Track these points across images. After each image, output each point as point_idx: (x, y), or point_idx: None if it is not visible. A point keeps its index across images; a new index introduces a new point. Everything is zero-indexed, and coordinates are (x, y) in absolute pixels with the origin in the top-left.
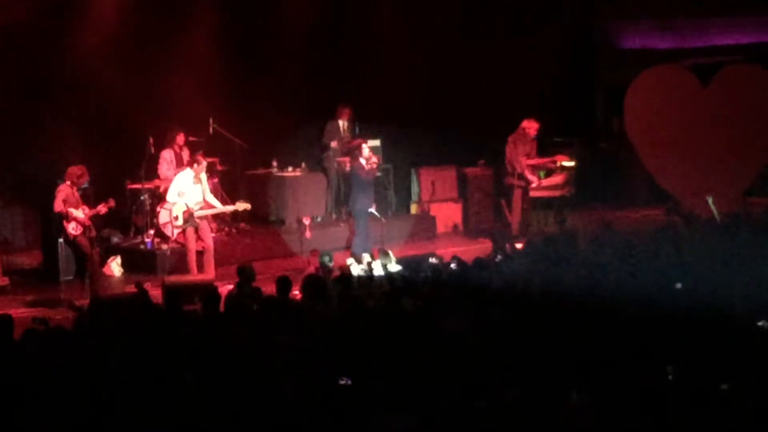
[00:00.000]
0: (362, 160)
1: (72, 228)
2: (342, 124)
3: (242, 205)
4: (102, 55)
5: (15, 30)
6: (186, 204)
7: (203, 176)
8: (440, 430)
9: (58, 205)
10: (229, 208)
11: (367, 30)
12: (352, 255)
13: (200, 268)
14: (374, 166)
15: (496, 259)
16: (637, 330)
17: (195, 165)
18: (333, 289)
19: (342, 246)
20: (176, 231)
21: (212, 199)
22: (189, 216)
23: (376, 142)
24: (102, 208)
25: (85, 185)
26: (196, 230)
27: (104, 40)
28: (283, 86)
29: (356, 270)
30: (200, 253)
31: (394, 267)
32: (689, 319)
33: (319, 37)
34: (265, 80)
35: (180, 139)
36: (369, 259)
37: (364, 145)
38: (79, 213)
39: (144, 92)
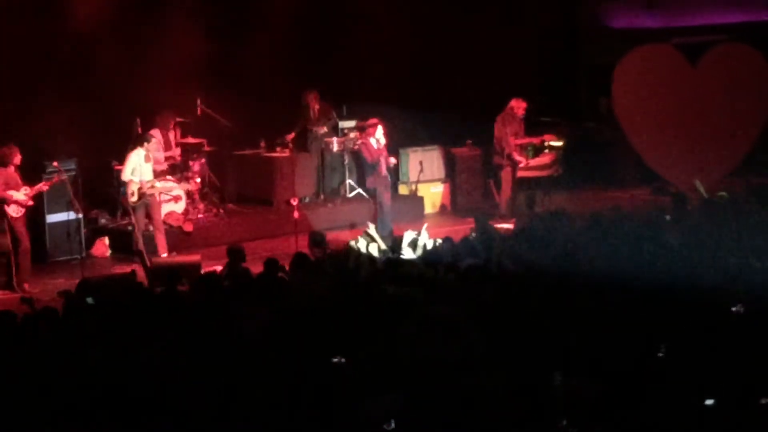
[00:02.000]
0: (372, 140)
1: (13, 211)
2: (312, 109)
3: (192, 183)
4: (89, 36)
5: (3, 12)
6: (140, 181)
7: (157, 154)
8: (427, 410)
9: None
10: (179, 185)
11: (353, 10)
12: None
13: (183, 249)
14: (383, 146)
15: (470, 237)
16: (621, 309)
17: (145, 143)
18: (329, 267)
19: (331, 226)
20: (164, 212)
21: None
22: (143, 193)
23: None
24: (43, 186)
25: (66, 168)
26: (147, 207)
27: (91, 20)
28: (271, 67)
29: (374, 248)
30: (187, 234)
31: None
32: (672, 299)
33: (306, 17)
34: (254, 61)
35: (172, 122)
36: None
37: (379, 126)
38: (20, 195)
39: (131, 73)
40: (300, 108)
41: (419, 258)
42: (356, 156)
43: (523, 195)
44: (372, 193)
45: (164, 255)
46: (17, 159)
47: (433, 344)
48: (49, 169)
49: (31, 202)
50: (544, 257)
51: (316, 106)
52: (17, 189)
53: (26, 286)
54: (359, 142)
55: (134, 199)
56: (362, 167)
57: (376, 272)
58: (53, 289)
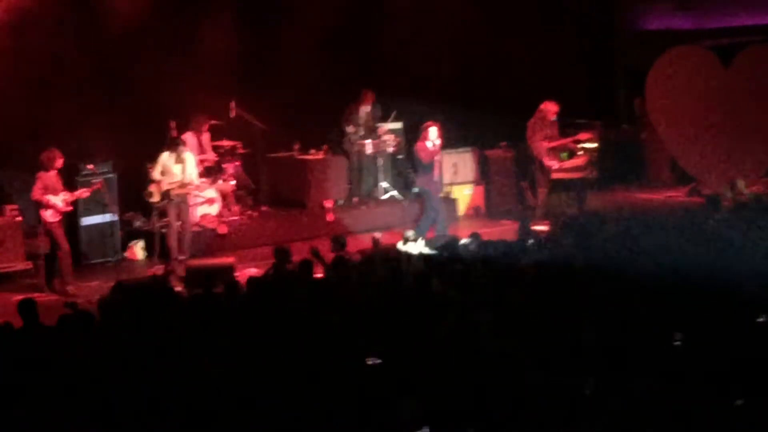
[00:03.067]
0: (428, 143)
1: (49, 215)
2: (364, 108)
3: (226, 185)
4: (123, 38)
5: (40, 14)
6: (160, 182)
7: (189, 156)
8: (451, 415)
9: (35, 193)
10: (211, 187)
11: (390, 12)
12: (416, 233)
13: (217, 251)
14: (438, 148)
15: (528, 243)
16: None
17: (174, 147)
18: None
19: (363, 229)
20: (199, 214)
21: (194, 180)
22: (165, 194)
23: (398, 125)
24: (84, 193)
25: (101, 171)
26: (178, 209)
27: (126, 23)
28: (306, 68)
29: (414, 249)
30: (221, 236)
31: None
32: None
33: (342, 18)
34: (288, 63)
35: (206, 125)
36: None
37: (432, 128)
38: (58, 200)
39: (166, 76)
40: (348, 106)
41: (474, 257)
42: (391, 158)
43: (569, 196)
44: (422, 195)
45: (182, 258)
46: (59, 163)
47: (470, 346)
48: (84, 172)
49: (69, 208)
50: (590, 256)
51: (368, 108)
52: (56, 193)
53: (70, 289)
54: (417, 146)
55: (155, 199)
56: (415, 168)
57: (424, 272)
58: (89, 291)
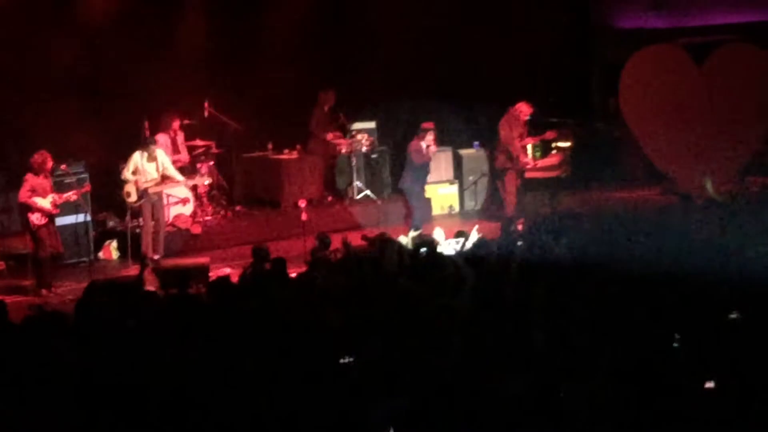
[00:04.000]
0: (423, 144)
1: (36, 218)
2: (326, 109)
3: (201, 179)
4: (97, 38)
5: (11, 15)
6: (136, 181)
7: (161, 153)
8: (434, 414)
9: (22, 195)
10: (189, 182)
11: (361, 10)
12: (414, 230)
13: (191, 251)
14: (432, 152)
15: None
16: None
17: (145, 147)
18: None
19: (339, 228)
20: (172, 214)
21: (175, 174)
22: (143, 192)
23: (371, 124)
24: (72, 196)
25: (74, 171)
26: (152, 208)
27: (99, 23)
28: (279, 68)
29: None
30: (195, 237)
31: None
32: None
33: (314, 18)
34: (261, 62)
35: (175, 123)
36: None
37: (431, 132)
38: (46, 202)
39: (139, 76)
40: (314, 107)
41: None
42: (365, 158)
43: (542, 195)
44: (410, 193)
45: (156, 257)
46: (49, 165)
47: (440, 346)
48: (58, 172)
49: (56, 211)
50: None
51: (326, 107)
52: (44, 196)
53: (44, 291)
54: (413, 147)
55: (132, 199)
56: (404, 166)
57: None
58: (63, 292)
